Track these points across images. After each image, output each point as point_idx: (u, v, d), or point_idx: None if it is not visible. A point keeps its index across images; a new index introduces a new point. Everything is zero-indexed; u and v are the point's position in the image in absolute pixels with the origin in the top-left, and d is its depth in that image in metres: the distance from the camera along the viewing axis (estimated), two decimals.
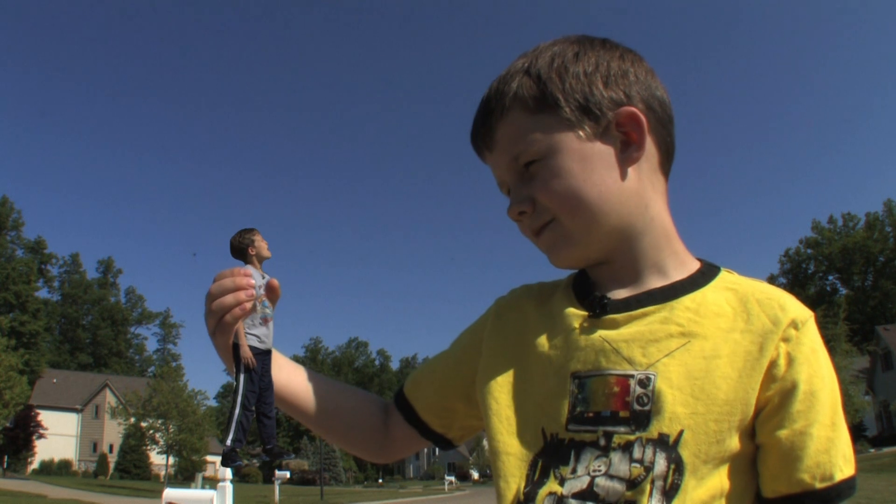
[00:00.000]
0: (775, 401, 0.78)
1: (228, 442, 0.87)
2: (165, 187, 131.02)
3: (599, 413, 0.80)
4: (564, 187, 0.84)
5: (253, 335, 0.91)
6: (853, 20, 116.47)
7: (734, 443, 0.78)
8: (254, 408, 0.90)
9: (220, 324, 0.90)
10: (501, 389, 0.89)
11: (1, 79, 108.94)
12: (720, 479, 0.78)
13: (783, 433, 0.78)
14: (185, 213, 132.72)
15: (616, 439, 0.78)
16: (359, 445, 1.08)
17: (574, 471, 0.78)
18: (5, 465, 45.60)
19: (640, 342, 0.82)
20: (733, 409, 0.77)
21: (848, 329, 34.35)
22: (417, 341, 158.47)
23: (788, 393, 0.78)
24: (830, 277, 67.79)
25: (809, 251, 68.20)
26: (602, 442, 0.79)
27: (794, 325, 0.80)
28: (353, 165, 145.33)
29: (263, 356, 0.93)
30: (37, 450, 51.94)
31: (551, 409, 0.83)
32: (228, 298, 0.89)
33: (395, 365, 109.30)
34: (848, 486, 0.78)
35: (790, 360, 0.79)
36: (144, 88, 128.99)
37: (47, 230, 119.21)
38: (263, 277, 0.94)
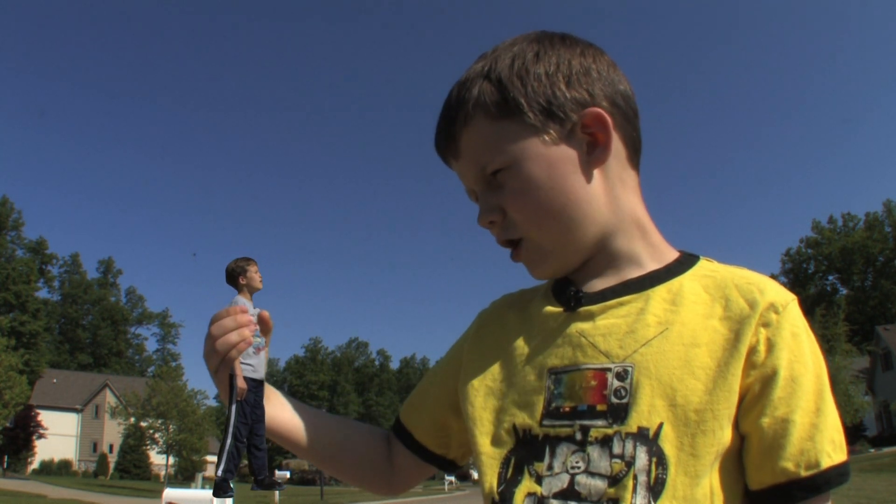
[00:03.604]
0: (756, 388, 0.76)
1: (220, 472, 0.90)
2: (165, 187, 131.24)
3: (576, 407, 0.78)
4: (533, 199, 0.84)
5: (248, 364, 0.93)
6: (853, 20, 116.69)
7: (726, 435, 0.75)
8: (245, 439, 0.94)
9: (224, 361, 0.92)
10: (477, 393, 0.89)
11: (1, 79, 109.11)
12: (713, 474, 0.75)
13: (765, 421, 0.75)
14: (185, 213, 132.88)
15: (593, 433, 0.76)
16: (368, 480, 1.07)
17: (550, 467, 0.77)
18: (5, 465, 45.60)
19: (616, 335, 0.81)
20: (715, 399, 0.75)
21: (848, 329, 34.34)
22: (417, 341, 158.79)
23: (769, 380, 0.76)
24: (830, 277, 67.81)
25: (810, 251, 68.17)
26: (578, 436, 0.77)
27: (774, 308, 0.78)
28: (353, 165, 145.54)
29: (256, 386, 0.94)
30: (37, 450, 51.95)
31: (526, 405, 0.82)
32: (233, 336, 0.91)
33: (395, 365, 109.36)
34: (837, 472, 0.75)
35: (770, 346, 0.77)
36: (144, 89, 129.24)
37: (48, 230, 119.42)
38: (254, 308, 0.96)
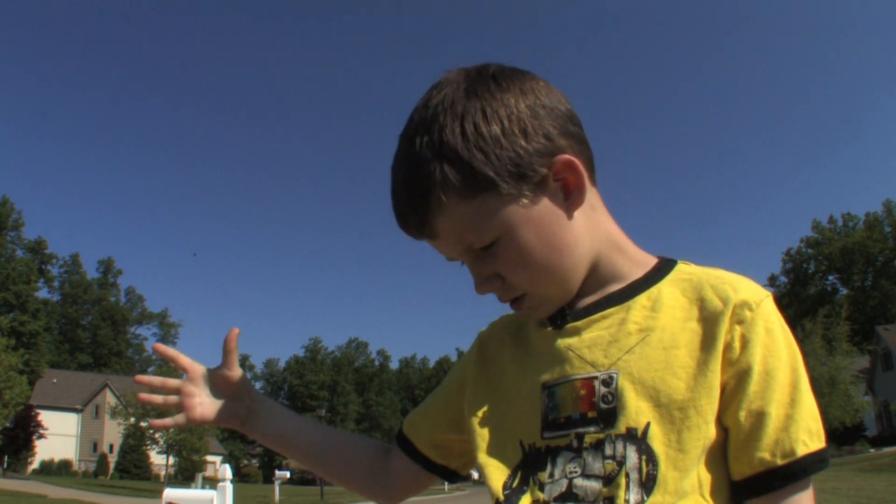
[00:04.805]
0: (732, 384, 0.80)
1: None
2: (165, 187, 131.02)
3: (570, 417, 0.82)
4: (530, 263, 0.85)
5: None
6: (853, 20, 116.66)
7: (710, 430, 0.79)
8: None
9: None
10: (482, 410, 0.93)
11: (1, 79, 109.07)
12: (701, 467, 0.79)
13: (742, 415, 0.78)
14: (185, 213, 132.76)
15: (587, 439, 0.80)
16: (362, 486, 1.11)
17: (552, 475, 0.81)
18: (5, 465, 45.60)
19: (601, 345, 0.84)
20: (697, 396, 0.79)
21: (848, 329, 34.25)
22: (417, 341, 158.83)
23: (744, 375, 0.79)
24: (830, 277, 67.78)
25: (810, 251, 68.16)
26: (575, 444, 0.81)
27: (748, 305, 0.81)
28: (353, 164, 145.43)
29: None
30: (37, 450, 51.93)
31: (527, 421, 0.86)
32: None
33: (394, 365, 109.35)
34: (814, 459, 0.78)
35: (744, 342, 0.80)
36: (144, 89, 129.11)
37: (48, 230, 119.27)
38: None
